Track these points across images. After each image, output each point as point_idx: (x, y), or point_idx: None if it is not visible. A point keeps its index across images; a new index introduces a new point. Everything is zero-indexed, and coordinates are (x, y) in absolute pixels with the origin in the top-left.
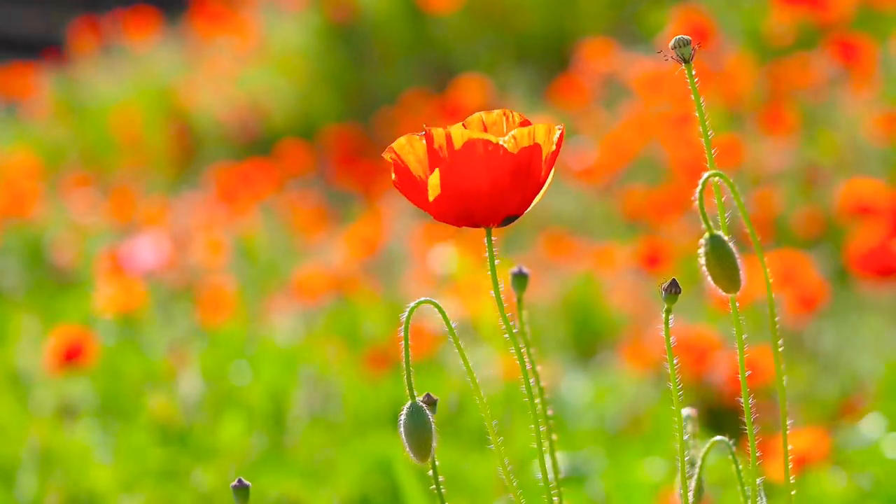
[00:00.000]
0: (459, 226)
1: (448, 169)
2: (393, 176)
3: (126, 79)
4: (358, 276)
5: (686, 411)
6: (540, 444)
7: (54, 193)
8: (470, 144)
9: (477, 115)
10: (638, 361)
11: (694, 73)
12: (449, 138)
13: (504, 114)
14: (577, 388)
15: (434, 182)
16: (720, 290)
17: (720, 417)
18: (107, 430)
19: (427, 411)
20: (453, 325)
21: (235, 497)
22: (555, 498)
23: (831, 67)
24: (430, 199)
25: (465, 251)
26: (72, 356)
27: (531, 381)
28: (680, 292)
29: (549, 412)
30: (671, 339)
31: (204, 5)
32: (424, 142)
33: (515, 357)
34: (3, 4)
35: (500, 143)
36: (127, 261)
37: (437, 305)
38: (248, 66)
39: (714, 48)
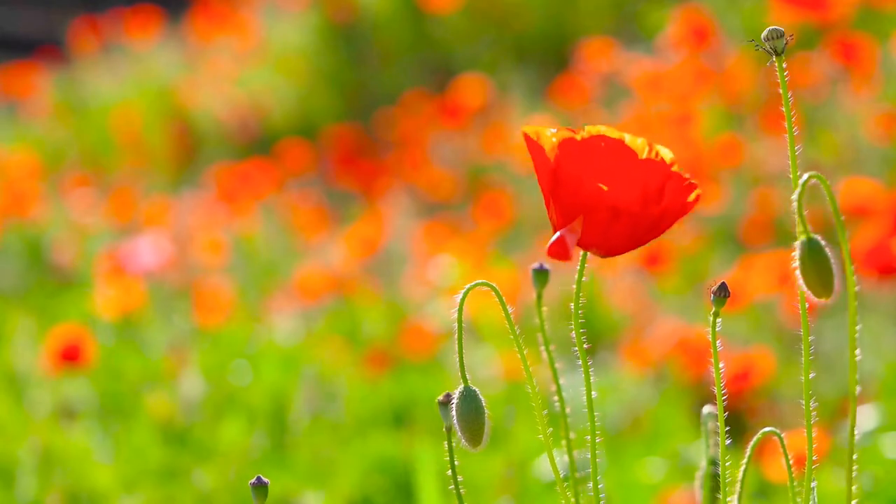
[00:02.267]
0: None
1: (572, 203)
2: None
3: (126, 79)
4: (358, 276)
5: (707, 409)
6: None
7: (54, 193)
8: (600, 198)
9: (619, 134)
10: (638, 361)
11: (784, 66)
12: (581, 177)
13: (648, 144)
14: (577, 387)
15: (554, 201)
16: (811, 295)
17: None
18: (106, 431)
19: (480, 395)
20: (453, 326)
21: (253, 495)
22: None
23: (831, 67)
24: (550, 217)
25: (464, 254)
26: (69, 357)
27: (535, 380)
28: (729, 295)
29: (565, 410)
30: (717, 343)
31: (204, 5)
32: (554, 140)
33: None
34: (2, 4)
35: (634, 210)
36: (127, 261)
37: (494, 288)
38: (248, 66)
39: (714, 48)
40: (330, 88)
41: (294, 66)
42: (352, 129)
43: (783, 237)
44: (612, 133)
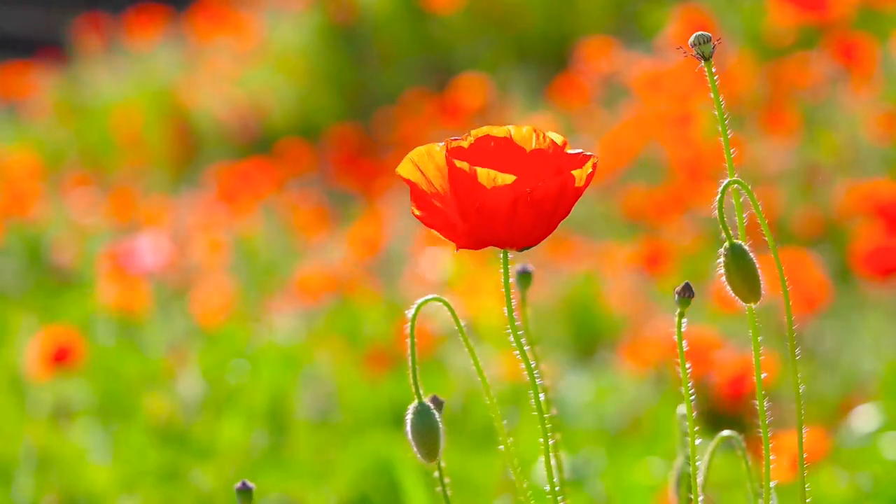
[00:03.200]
0: (476, 249)
1: (471, 204)
2: (412, 204)
3: (127, 78)
4: (358, 276)
5: (682, 410)
6: (547, 444)
7: (54, 193)
8: (497, 190)
9: (505, 128)
10: (638, 361)
11: (714, 70)
12: (474, 174)
13: (535, 132)
14: (577, 388)
15: (455, 209)
16: (739, 300)
17: (719, 418)
18: (106, 431)
19: (434, 411)
20: (454, 326)
21: (239, 499)
22: (559, 499)
23: (831, 67)
24: (450, 224)
25: (463, 254)
26: (60, 358)
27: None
28: (693, 296)
29: (554, 411)
30: (683, 342)
31: (205, 5)
32: (444, 153)
33: (519, 356)
34: (2, 4)
35: (529, 191)
36: (127, 261)
37: (445, 303)
38: (249, 66)
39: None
40: (330, 88)
41: (294, 66)
42: (352, 129)
43: (783, 237)
44: (498, 131)
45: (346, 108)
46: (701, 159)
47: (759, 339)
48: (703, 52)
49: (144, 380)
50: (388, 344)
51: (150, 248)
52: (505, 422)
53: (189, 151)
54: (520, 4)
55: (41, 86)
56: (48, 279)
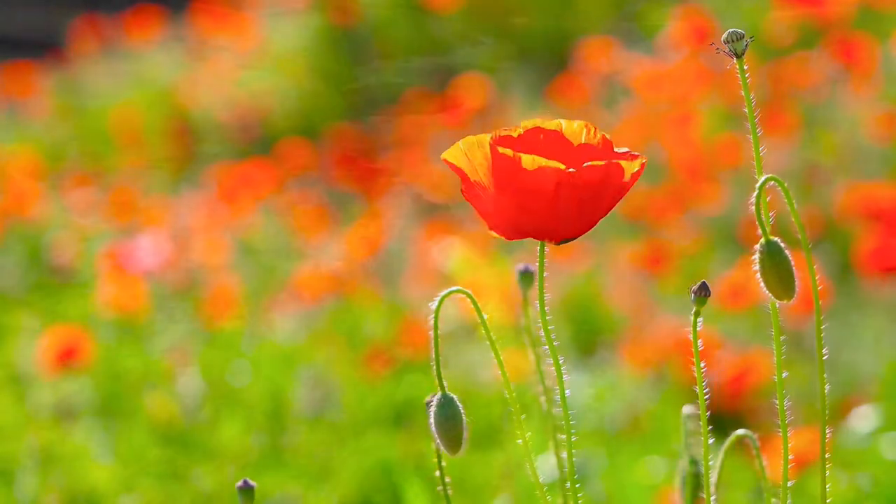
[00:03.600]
0: (513, 239)
1: (514, 190)
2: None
3: (127, 78)
4: (358, 276)
5: (687, 409)
6: (570, 437)
7: (54, 193)
8: (541, 171)
9: (557, 121)
10: (638, 361)
11: (746, 68)
12: (518, 160)
13: (586, 127)
14: (577, 387)
15: (497, 199)
16: (773, 297)
17: (720, 418)
18: (107, 430)
19: (458, 402)
20: (454, 326)
21: (240, 498)
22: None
23: (831, 67)
24: (490, 213)
25: (468, 249)
26: (67, 356)
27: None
28: (710, 295)
29: (552, 411)
30: (698, 342)
31: (204, 5)
32: (491, 141)
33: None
34: (2, 4)
35: (574, 172)
36: (127, 261)
37: (469, 295)
38: (249, 66)
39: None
40: (330, 88)
41: (294, 67)
42: (352, 129)
43: (784, 238)
44: (549, 124)
45: (346, 108)
46: (701, 159)
47: (782, 338)
48: (735, 49)
49: (145, 380)
50: (388, 344)
51: (150, 248)
52: (513, 419)
53: (189, 151)
54: (520, 4)
55: (41, 86)
56: (48, 279)
